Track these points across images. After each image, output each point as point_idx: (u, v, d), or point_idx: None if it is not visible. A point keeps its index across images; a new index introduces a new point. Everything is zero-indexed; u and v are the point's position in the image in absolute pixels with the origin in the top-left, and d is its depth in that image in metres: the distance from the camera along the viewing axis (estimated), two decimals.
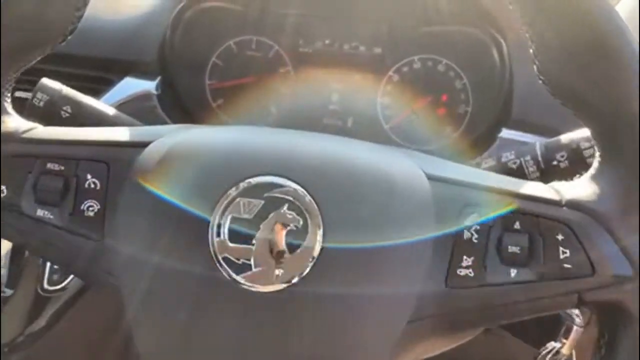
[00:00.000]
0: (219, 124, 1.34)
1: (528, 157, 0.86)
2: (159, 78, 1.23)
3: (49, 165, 0.61)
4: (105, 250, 0.60)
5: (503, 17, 1.11)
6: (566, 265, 0.59)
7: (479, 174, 0.69)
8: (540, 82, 0.64)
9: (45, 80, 0.92)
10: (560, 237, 0.60)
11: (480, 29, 1.19)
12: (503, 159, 0.89)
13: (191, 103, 1.32)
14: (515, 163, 0.87)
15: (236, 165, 0.60)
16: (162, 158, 0.62)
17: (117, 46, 1.22)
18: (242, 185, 0.57)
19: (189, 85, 1.33)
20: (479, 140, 1.22)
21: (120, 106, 1.19)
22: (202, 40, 1.34)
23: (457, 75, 1.30)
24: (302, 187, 0.57)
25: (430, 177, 0.64)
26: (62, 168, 0.61)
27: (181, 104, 1.30)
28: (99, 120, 0.94)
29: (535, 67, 0.63)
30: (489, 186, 0.63)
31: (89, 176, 0.61)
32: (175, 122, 1.21)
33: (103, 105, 0.98)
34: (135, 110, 1.19)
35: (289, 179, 0.58)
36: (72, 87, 1.19)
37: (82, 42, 1.00)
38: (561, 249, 0.60)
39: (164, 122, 1.19)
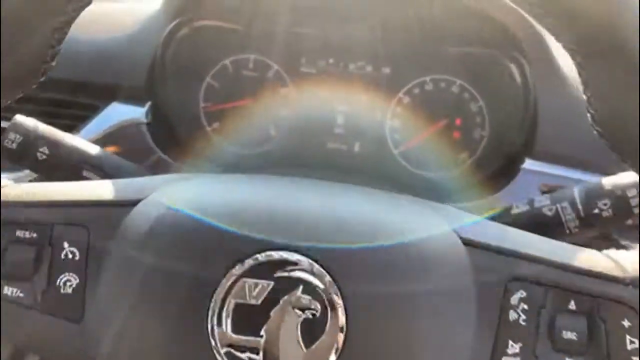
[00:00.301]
0: (215, 150, 1.24)
1: (565, 204, 0.76)
2: (148, 104, 1.12)
3: (19, 233, 0.52)
4: (86, 334, 0.52)
5: (527, 37, 1.01)
6: (635, 359, 0.49)
7: (525, 239, 0.59)
8: (596, 133, 0.54)
9: (19, 118, 0.81)
10: (626, 323, 0.50)
11: (499, 50, 1.09)
12: (537, 204, 0.79)
13: (184, 128, 1.22)
14: (550, 210, 0.77)
15: (241, 238, 0.50)
16: (152, 223, 0.52)
17: (102, 69, 1.11)
18: (248, 262, 0.48)
19: (182, 109, 1.22)
20: (499, 170, 1.12)
21: (106, 136, 1.08)
22: (196, 60, 1.23)
23: (472, 97, 1.20)
24: (319, 264, 0.48)
25: (468, 243, 0.54)
26: (34, 235, 0.53)
27: (173, 130, 1.20)
28: (80, 160, 0.84)
29: (589, 116, 0.53)
30: (539, 257, 0.53)
31: (65, 244, 0.53)
32: (167, 152, 1.10)
33: (84, 143, 0.87)
34: (123, 140, 1.08)
35: (303, 254, 0.49)
36: (53, 114, 1.10)
37: (64, 65, 0.90)
38: (628, 337, 0.50)
39: (154, 154, 1.08)
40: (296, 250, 0.48)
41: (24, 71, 0.53)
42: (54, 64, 0.55)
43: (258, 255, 0.48)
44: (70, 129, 1.05)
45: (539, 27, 0.98)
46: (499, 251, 0.54)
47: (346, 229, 0.52)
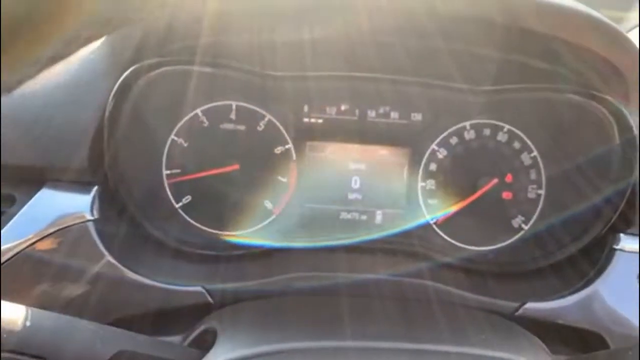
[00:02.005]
0: (189, 237, 0.89)
1: None
2: (94, 189, 0.75)
3: None
4: None
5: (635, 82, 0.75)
6: None
7: None
8: None
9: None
10: None
11: (590, 95, 0.81)
12: None
13: (144, 211, 0.85)
14: None
15: None
16: None
17: (27, 145, 0.73)
18: None
19: (140, 185, 0.86)
20: (577, 248, 0.85)
21: (36, 244, 0.71)
22: (157, 115, 0.87)
23: (524, 147, 0.94)
24: None
25: None
26: None
27: (130, 218, 0.83)
28: None
29: None
30: None
31: None
32: (122, 255, 0.74)
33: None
34: (60, 247, 0.71)
35: None
36: None
37: None
38: None
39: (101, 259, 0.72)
40: None
41: None
42: None
43: None
44: None
45: None
46: None
47: None
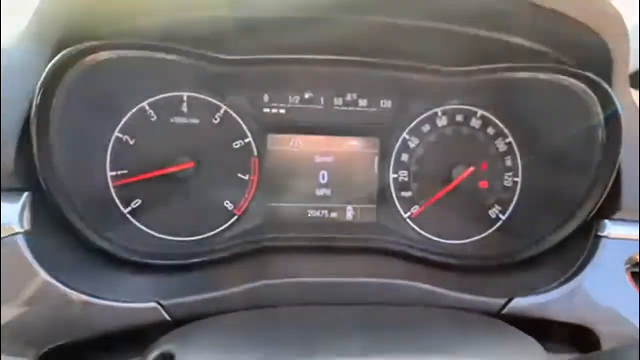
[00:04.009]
0: (140, 246, 0.79)
1: None
2: (24, 195, 0.64)
3: None
4: None
5: (621, 57, 0.70)
6: None
7: None
8: None
9: None
10: None
11: (566, 73, 0.76)
12: None
13: (86, 219, 0.74)
14: None
15: None
16: None
17: None
18: None
19: (81, 189, 0.75)
20: (564, 234, 0.81)
21: None
22: (98, 107, 0.77)
23: (499, 132, 0.89)
24: None
25: None
26: None
27: (69, 228, 0.72)
28: None
29: None
30: None
31: None
32: (60, 271, 0.64)
33: None
34: None
35: None
36: None
37: None
38: None
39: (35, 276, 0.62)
40: None
41: None
42: None
43: None
44: None
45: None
46: None
47: None
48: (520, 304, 0.72)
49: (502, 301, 0.72)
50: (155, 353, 0.52)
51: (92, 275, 0.69)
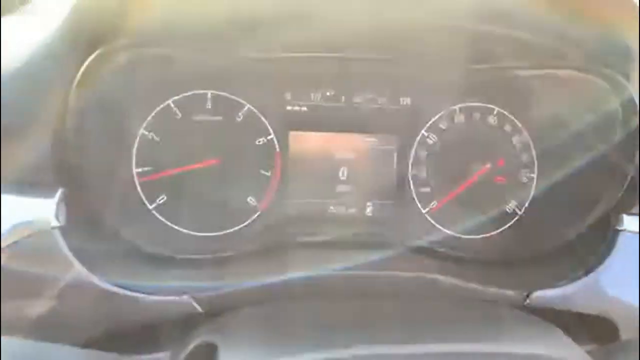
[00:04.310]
0: (167, 241, 0.80)
1: None
2: (59, 192, 0.66)
3: None
4: None
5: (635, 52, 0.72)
6: None
7: None
8: None
9: None
10: None
11: (584, 70, 0.78)
12: None
13: (114, 214, 0.76)
14: None
15: None
16: None
17: None
18: None
19: (109, 185, 0.77)
20: (576, 231, 0.82)
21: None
22: (125, 106, 0.78)
23: (515, 129, 0.91)
24: None
25: None
26: None
27: (99, 222, 0.73)
28: None
29: None
30: None
31: None
32: (94, 264, 0.65)
33: None
34: (23, 259, 0.62)
35: None
36: None
37: None
38: None
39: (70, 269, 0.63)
40: None
41: None
42: None
43: None
44: None
45: None
46: None
47: None
48: (542, 296, 0.74)
49: (524, 294, 0.74)
50: (196, 342, 0.54)
51: (123, 268, 0.71)
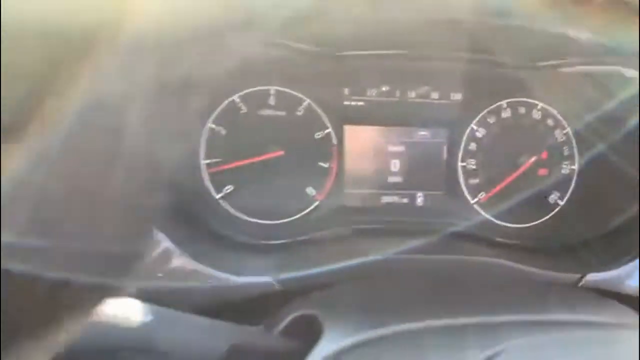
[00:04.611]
0: (229, 226, 0.85)
1: None
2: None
3: None
4: None
5: None
6: None
7: None
8: None
9: None
10: None
11: (627, 65, 0.84)
12: None
13: (183, 202, 0.81)
14: None
15: None
16: None
17: None
18: None
19: (181, 176, 0.81)
20: (624, 218, 0.87)
21: None
22: (192, 102, 0.83)
23: (557, 124, 0.95)
24: None
25: None
26: None
27: (182, 210, 0.78)
28: None
29: None
30: None
31: None
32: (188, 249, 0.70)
33: None
34: None
35: None
36: None
37: None
38: None
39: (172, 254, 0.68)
40: None
41: None
42: None
43: None
44: None
45: None
46: None
47: None
48: (595, 278, 0.78)
49: (576, 276, 0.79)
50: (294, 314, 0.58)
51: (208, 254, 0.75)
